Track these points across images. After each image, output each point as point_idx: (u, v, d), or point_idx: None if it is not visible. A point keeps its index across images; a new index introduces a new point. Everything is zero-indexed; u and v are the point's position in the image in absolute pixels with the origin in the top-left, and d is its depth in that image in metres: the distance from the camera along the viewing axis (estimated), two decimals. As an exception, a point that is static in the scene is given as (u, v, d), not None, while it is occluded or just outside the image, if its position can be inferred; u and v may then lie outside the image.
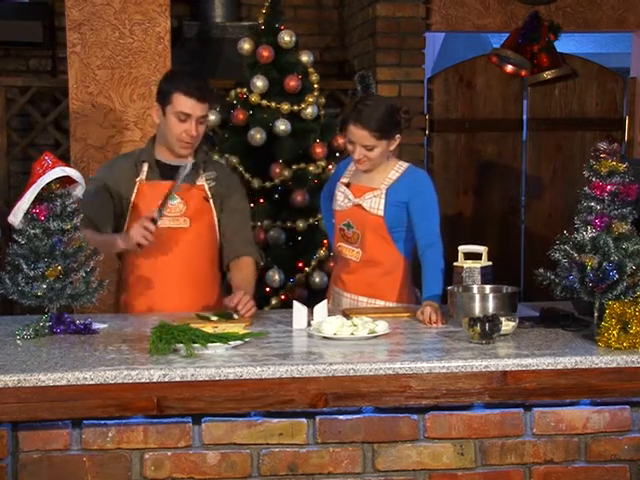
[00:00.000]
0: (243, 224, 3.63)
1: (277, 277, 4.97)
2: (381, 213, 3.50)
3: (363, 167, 3.52)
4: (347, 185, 3.61)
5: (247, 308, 3.23)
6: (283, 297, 5.02)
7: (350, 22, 6.49)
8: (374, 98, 3.70)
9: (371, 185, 3.55)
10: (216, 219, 3.56)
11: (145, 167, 3.48)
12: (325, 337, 2.89)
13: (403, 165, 3.59)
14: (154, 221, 3.27)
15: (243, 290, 3.31)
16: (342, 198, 3.60)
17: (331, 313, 3.09)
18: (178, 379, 2.49)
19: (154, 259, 3.44)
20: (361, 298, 3.56)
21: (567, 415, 2.75)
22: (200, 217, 3.51)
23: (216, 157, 4.94)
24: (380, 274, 3.55)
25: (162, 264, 3.45)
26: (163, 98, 3.39)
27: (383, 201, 3.50)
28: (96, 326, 3.06)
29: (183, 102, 3.35)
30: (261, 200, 5.12)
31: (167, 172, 3.47)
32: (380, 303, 3.55)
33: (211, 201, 3.53)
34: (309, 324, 3.03)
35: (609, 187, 2.95)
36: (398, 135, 3.52)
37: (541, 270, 3.01)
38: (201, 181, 3.52)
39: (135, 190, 3.46)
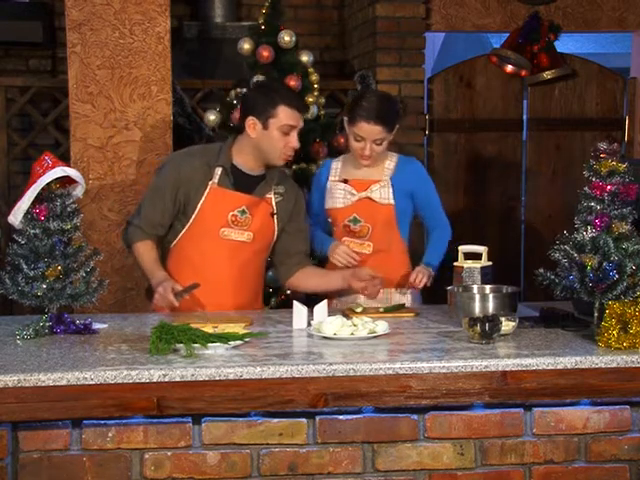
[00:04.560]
0: (305, 243, 3.64)
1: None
2: (392, 202, 3.59)
3: (368, 162, 3.57)
4: (345, 182, 3.63)
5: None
6: (283, 297, 5.01)
7: (350, 22, 6.49)
8: (375, 93, 3.76)
9: (371, 178, 3.61)
10: (276, 235, 3.54)
11: (219, 171, 3.43)
12: (325, 337, 2.89)
13: (393, 154, 3.70)
14: (178, 296, 3.27)
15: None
16: (343, 195, 3.62)
17: (331, 313, 3.09)
18: (178, 379, 2.49)
19: (209, 265, 3.42)
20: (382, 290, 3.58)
21: (567, 415, 2.75)
22: (263, 233, 3.49)
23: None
24: (390, 263, 3.62)
25: (216, 272, 3.43)
26: (264, 112, 3.35)
27: (391, 190, 3.59)
28: (96, 326, 3.06)
29: (290, 115, 3.35)
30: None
31: (241, 181, 3.44)
32: (393, 290, 3.63)
33: (275, 217, 3.51)
34: (309, 324, 3.03)
35: (609, 187, 2.95)
36: (397, 125, 3.60)
37: (541, 270, 3.01)
38: (270, 194, 3.50)
39: (206, 193, 3.42)
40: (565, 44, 6.60)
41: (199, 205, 3.42)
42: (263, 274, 3.63)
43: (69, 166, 3.11)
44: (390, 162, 3.65)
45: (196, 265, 3.44)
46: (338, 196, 3.64)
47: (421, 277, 3.50)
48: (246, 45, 5.21)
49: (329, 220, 3.70)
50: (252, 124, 3.38)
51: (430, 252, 3.65)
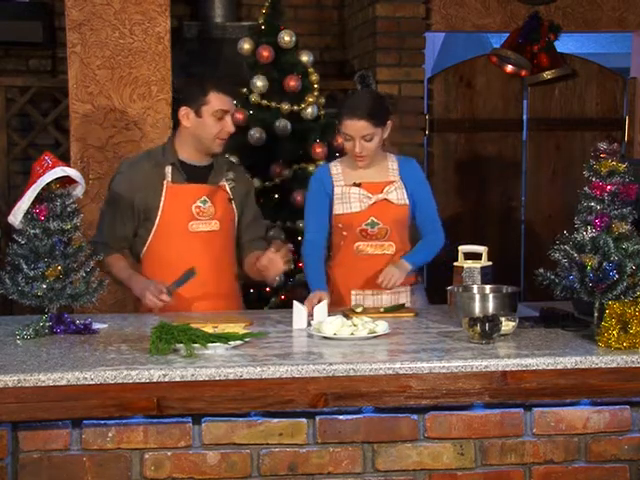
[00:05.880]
0: (263, 225, 3.77)
1: (277, 277, 4.96)
2: (407, 202, 3.61)
3: (364, 162, 3.56)
4: (358, 185, 3.61)
5: (275, 270, 3.40)
6: (283, 297, 5.01)
7: (350, 22, 6.49)
8: (359, 92, 3.76)
9: (381, 180, 3.61)
10: (236, 220, 3.60)
11: (169, 169, 3.47)
12: (325, 337, 2.89)
13: (391, 155, 3.71)
14: (169, 292, 3.30)
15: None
16: (358, 199, 3.59)
17: (331, 313, 3.09)
18: (178, 379, 2.49)
19: (186, 261, 3.41)
20: (401, 289, 3.59)
21: (567, 415, 2.75)
22: (227, 219, 3.55)
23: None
24: None
25: (194, 266, 3.42)
26: (195, 100, 3.40)
27: (405, 191, 3.61)
28: (96, 326, 3.06)
29: (221, 100, 3.41)
30: (261, 200, 5.11)
31: (192, 173, 3.49)
32: (411, 287, 3.65)
33: (233, 203, 3.57)
34: (309, 324, 3.03)
35: (609, 187, 2.95)
36: (389, 122, 3.59)
37: (541, 270, 3.01)
38: (223, 182, 3.56)
39: (164, 193, 3.45)
40: (565, 44, 6.60)
41: (160, 206, 3.45)
42: (236, 264, 3.65)
43: (69, 166, 3.11)
44: (392, 163, 3.65)
45: (172, 264, 3.44)
46: (353, 200, 3.58)
47: (390, 278, 3.45)
48: (246, 45, 5.22)
49: (339, 226, 3.62)
50: (185, 114, 3.43)
51: (416, 252, 3.61)
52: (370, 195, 3.59)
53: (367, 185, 3.61)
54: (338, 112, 3.59)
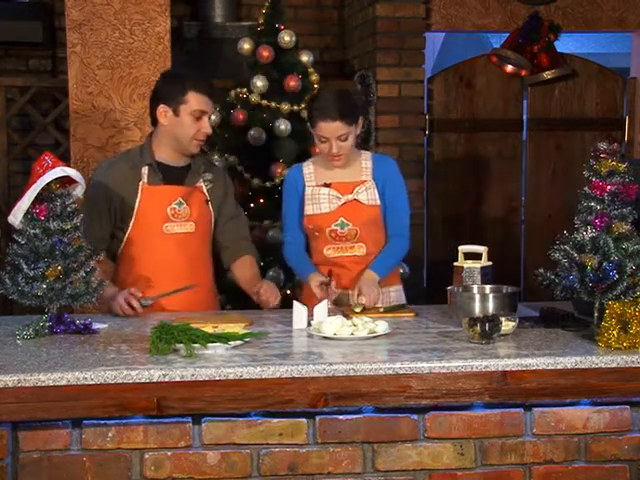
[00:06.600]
0: (244, 225, 3.74)
1: (277, 277, 4.96)
2: (378, 202, 3.57)
3: (341, 162, 3.54)
4: (327, 186, 3.59)
5: (274, 296, 3.42)
6: (283, 297, 5.01)
7: (350, 22, 6.49)
8: (328, 91, 3.75)
9: (353, 179, 3.58)
10: (213, 221, 3.59)
11: (146, 170, 3.45)
12: (325, 337, 2.89)
13: (367, 153, 3.68)
14: (141, 304, 3.29)
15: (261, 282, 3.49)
16: (328, 199, 3.57)
17: (331, 313, 3.09)
18: (178, 379, 2.49)
19: (160, 263, 3.44)
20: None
21: (567, 415, 2.75)
22: (203, 221, 3.53)
23: (215, 157, 4.96)
24: None
25: (168, 268, 3.44)
26: (174, 99, 3.37)
27: (376, 191, 3.57)
28: (96, 326, 3.06)
29: (199, 100, 3.38)
30: (261, 200, 5.12)
31: (169, 174, 3.47)
32: (393, 289, 3.64)
33: (210, 204, 3.55)
34: (309, 324, 3.03)
35: (609, 187, 2.95)
36: (361, 118, 3.56)
37: (541, 270, 3.01)
38: (200, 183, 3.54)
39: (139, 194, 3.44)
40: (565, 44, 6.60)
41: (136, 207, 3.43)
42: (212, 266, 3.64)
43: (69, 166, 3.11)
44: (366, 161, 3.61)
45: (147, 266, 3.44)
46: (322, 201, 3.57)
47: (374, 296, 3.39)
48: (246, 45, 5.22)
49: (310, 227, 3.61)
50: (163, 112, 3.41)
51: (380, 261, 3.55)
52: (340, 195, 3.57)
53: (337, 185, 3.58)
54: (309, 115, 3.56)
